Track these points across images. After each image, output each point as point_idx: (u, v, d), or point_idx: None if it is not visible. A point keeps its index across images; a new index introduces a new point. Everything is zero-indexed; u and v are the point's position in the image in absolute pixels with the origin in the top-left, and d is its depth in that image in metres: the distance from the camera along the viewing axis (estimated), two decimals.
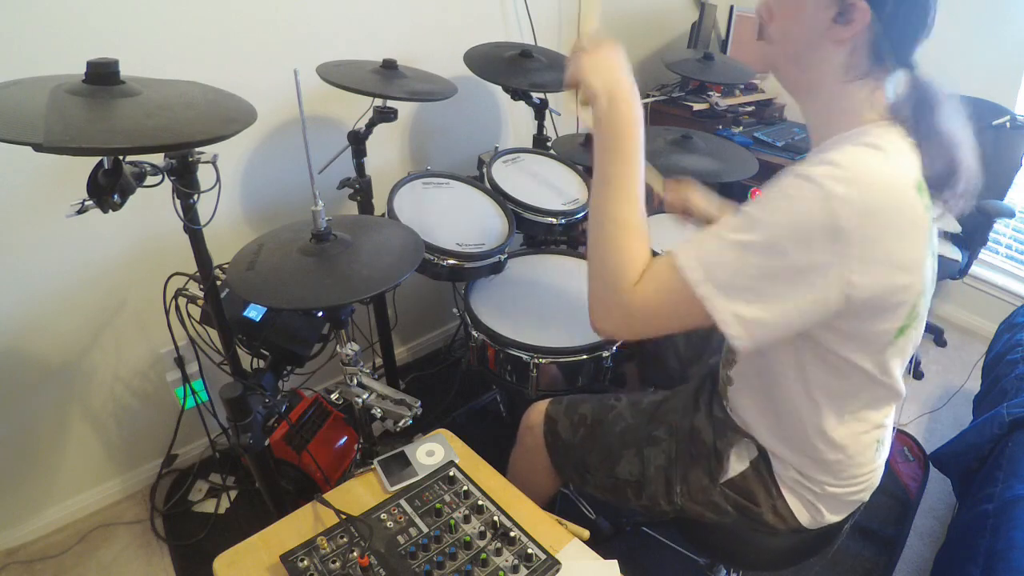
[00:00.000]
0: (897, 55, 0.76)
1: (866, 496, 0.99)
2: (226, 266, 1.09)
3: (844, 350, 0.80)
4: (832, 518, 0.98)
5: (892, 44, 0.75)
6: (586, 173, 1.72)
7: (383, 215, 1.40)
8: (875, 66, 0.77)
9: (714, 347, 1.14)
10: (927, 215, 0.75)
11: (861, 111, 0.78)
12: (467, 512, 0.92)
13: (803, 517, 0.97)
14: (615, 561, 0.88)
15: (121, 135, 0.73)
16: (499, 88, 1.77)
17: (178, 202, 0.95)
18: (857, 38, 0.75)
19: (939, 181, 0.77)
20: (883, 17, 0.73)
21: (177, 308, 1.31)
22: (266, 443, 1.16)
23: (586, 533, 0.94)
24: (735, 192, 1.85)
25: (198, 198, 0.96)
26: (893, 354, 0.82)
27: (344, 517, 0.91)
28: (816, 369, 0.84)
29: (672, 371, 1.34)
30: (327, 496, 0.95)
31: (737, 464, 1.00)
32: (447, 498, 0.95)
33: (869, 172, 0.69)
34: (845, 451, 0.90)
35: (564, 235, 1.61)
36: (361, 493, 0.98)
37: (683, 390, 1.14)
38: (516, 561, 0.85)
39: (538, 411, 1.19)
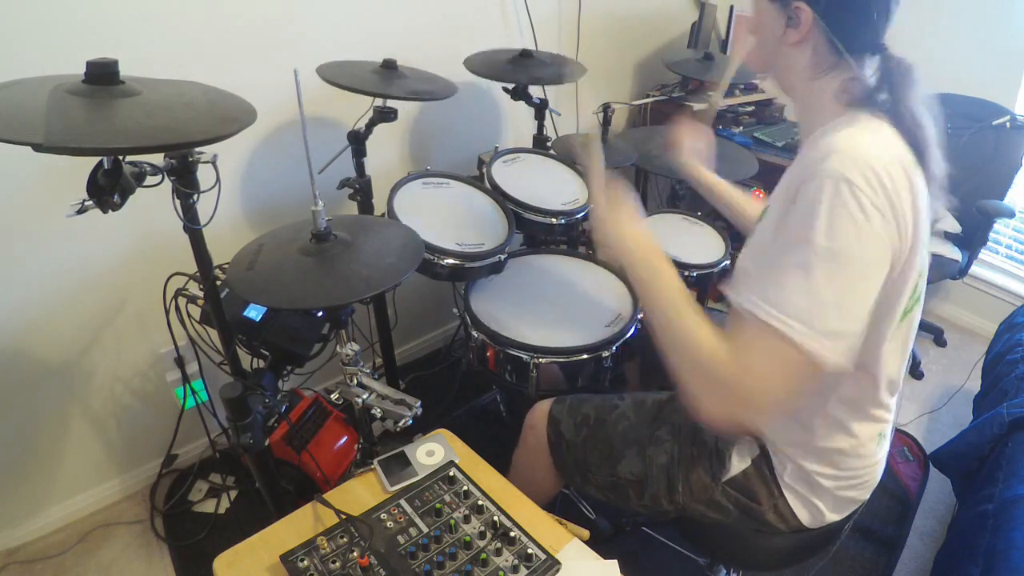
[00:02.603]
0: (852, 42, 0.80)
1: (866, 494, 0.99)
2: (226, 266, 1.09)
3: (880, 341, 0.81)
4: (832, 517, 0.98)
5: (842, 34, 0.80)
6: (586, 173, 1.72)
7: (383, 215, 1.40)
8: (838, 60, 0.81)
9: None
10: (925, 191, 0.78)
11: (834, 103, 0.82)
12: (467, 512, 0.92)
13: (803, 516, 0.97)
14: (615, 561, 0.88)
15: (121, 135, 0.73)
16: (499, 88, 1.77)
17: (178, 202, 0.95)
18: (810, 37, 0.81)
19: (921, 154, 0.80)
20: (823, 12, 0.79)
21: (177, 308, 1.31)
22: (266, 443, 1.16)
23: (586, 533, 0.94)
24: None
25: (198, 198, 0.96)
26: (897, 338, 0.84)
27: (344, 517, 0.91)
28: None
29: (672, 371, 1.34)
30: (327, 496, 0.95)
31: (739, 463, 1.00)
32: (447, 498, 0.95)
33: (871, 150, 0.73)
34: (847, 444, 0.91)
35: (564, 235, 1.61)
36: (361, 493, 0.98)
37: None
38: (516, 561, 0.85)
39: (541, 411, 1.20)
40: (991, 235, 2.24)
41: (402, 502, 0.94)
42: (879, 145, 0.75)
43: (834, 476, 0.94)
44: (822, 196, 0.70)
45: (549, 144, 1.85)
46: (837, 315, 0.70)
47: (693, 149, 1.30)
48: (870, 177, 0.70)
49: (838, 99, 0.82)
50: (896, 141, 0.78)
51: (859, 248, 0.70)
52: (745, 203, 1.26)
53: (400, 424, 1.04)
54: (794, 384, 0.73)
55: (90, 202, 0.83)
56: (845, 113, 0.81)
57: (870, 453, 0.94)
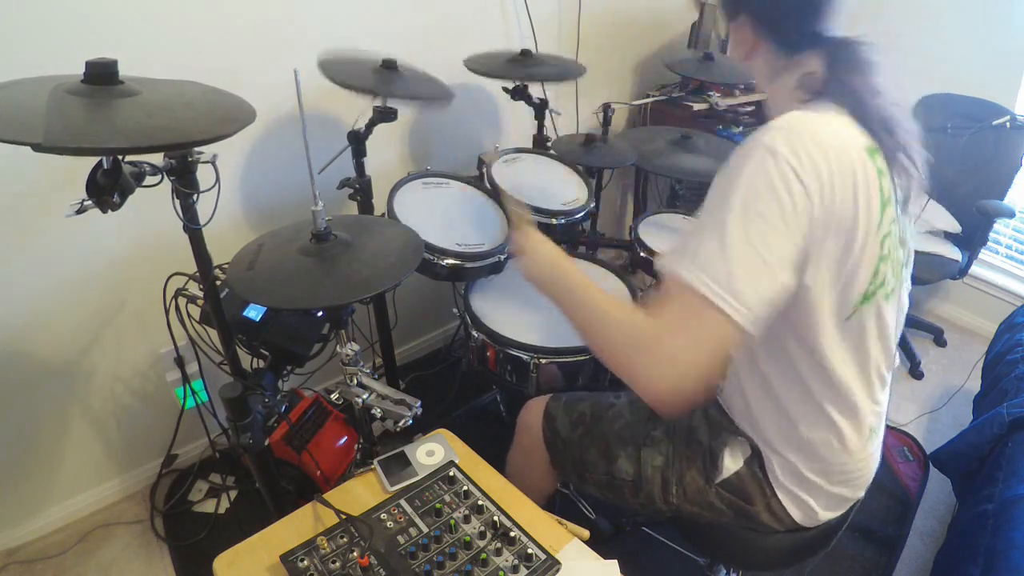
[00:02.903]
0: (794, 43, 0.84)
1: (859, 492, 1.00)
2: (226, 266, 1.09)
3: (810, 320, 0.80)
4: (826, 515, 0.99)
5: (783, 31, 0.84)
6: (586, 173, 1.72)
7: (383, 215, 1.40)
8: (787, 59, 0.85)
9: None
10: (879, 178, 0.78)
11: (793, 97, 0.85)
12: (467, 512, 0.92)
13: (797, 515, 0.98)
14: (615, 561, 0.88)
15: (120, 135, 0.73)
16: (499, 88, 1.77)
17: (178, 202, 0.95)
18: (757, 44, 0.86)
19: (881, 138, 0.79)
20: (758, 15, 0.84)
21: (177, 308, 1.31)
22: (266, 443, 1.16)
23: (586, 533, 0.94)
24: None
25: (198, 198, 0.96)
26: (860, 325, 0.83)
27: (344, 517, 0.91)
28: (797, 351, 0.85)
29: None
30: (327, 496, 0.95)
31: (731, 464, 1.00)
32: (447, 498, 0.95)
33: (808, 126, 0.75)
34: (832, 435, 0.91)
35: (564, 235, 1.61)
36: (361, 493, 0.98)
37: None
38: (516, 561, 0.85)
39: (537, 408, 1.19)
40: (991, 235, 2.24)
41: (402, 502, 0.94)
42: (822, 124, 0.76)
43: (822, 471, 0.94)
44: (747, 163, 0.73)
45: (549, 144, 1.85)
46: (744, 274, 0.70)
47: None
48: (798, 149, 0.71)
49: (799, 95, 0.84)
50: (850, 125, 0.78)
51: (774, 214, 0.71)
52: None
53: (400, 424, 1.04)
54: (712, 340, 0.72)
55: (90, 202, 0.83)
56: (801, 107, 0.82)
57: (858, 448, 0.94)
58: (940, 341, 2.53)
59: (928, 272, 2.19)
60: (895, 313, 0.88)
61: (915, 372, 2.33)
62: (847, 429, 0.91)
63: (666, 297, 0.75)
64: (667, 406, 0.75)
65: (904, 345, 2.38)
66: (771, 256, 0.71)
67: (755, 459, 0.99)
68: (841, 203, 0.73)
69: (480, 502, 0.93)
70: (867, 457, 0.97)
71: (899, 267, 0.86)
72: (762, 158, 0.72)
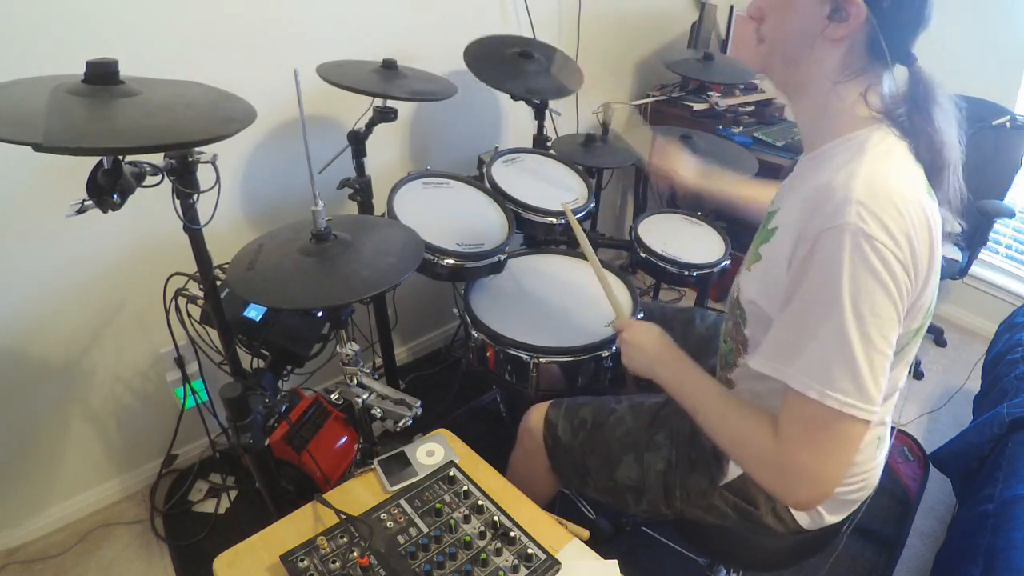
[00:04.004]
0: (895, 50, 0.75)
1: (864, 495, 0.99)
2: (226, 266, 1.09)
3: None
4: (832, 519, 0.98)
5: (890, 39, 0.74)
6: (586, 173, 1.72)
7: (383, 215, 1.40)
8: (872, 63, 0.77)
9: (713, 349, 1.14)
10: (939, 218, 0.77)
11: (852, 111, 0.78)
12: (467, 512, 0.92)
13: (802, 519, 0.97)
14: (615, 561, 0.88)
15: (121, 135, 0.73)
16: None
17: (178, 202, 0.95)
18: (853, 35, 0.75)
19: (930, 177, 0.78)
20: (880, 12, 0.73)
21: (177, 308, 1.31)
22: (266, 443, 1.16)
23: (586, 533, 0.94)
24: None
25: (198, 198, 0.96)
26: (906, 354, 0.84)
27: (344, 517, 0.91)
28: None
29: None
30: (327, 496, 0.95)
31: (736, 467, 0.99)
32: (447, 498, 0.95)
33: (891, 192, 0.70)
34: None
35: (564, 235, 1.61)
36: (361, 493, 0.98)
37: None
38: (516, 561, 0.85)
39: (538, 414, 1.19)
40: (991, 235, 2.24)
41: (402, 502, 0.94)
42: (896, 178, 0.73)
43: None
44: (843, 255, 0.69)
45: (549, 144, 1.85)
46: (869, 375, 0.71)
47: (674, 177, 1.28)
48: (891, 227, 0.69)
49: (859, 105, 0.78)
50: (911, 165, 0.76)
51: (886, 305, 0.70)
52: (755, 195, 1.26)
53: (400, 424, 1.04)
54: (847, 444, 0.74)
55: (90, 202, 0.83)
56: (858, 126, 0.78)
57: (869, 458, 0.94)
58: (940, 341, 2.53)
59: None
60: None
61: (915, 372, 2.33)
62: (866, 438, 0.90)
63: (793, 415, 0.75)
64: (813, 506, 0.80)
65: None
66: (889, 348, 0.72)
67: None
68: (921, 258, 0.72)
69: (480, 502, 0.93)
70: (876, 466, 0.97)
71: (936, 289, 0.84)
72: (858, 247, 0.68)
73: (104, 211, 0.84)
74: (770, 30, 0.81)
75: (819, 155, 0.82)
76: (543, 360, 1.29)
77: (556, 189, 1.63)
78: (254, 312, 1.21)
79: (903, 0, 0.73)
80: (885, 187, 0.70)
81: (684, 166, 1.27)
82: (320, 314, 1.23)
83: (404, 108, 1.77)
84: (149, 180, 0.90)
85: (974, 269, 2.34)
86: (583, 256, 1.69)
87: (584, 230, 1.65)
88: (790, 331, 0.75)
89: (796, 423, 0.75)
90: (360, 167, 1.48)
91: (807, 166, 0.85)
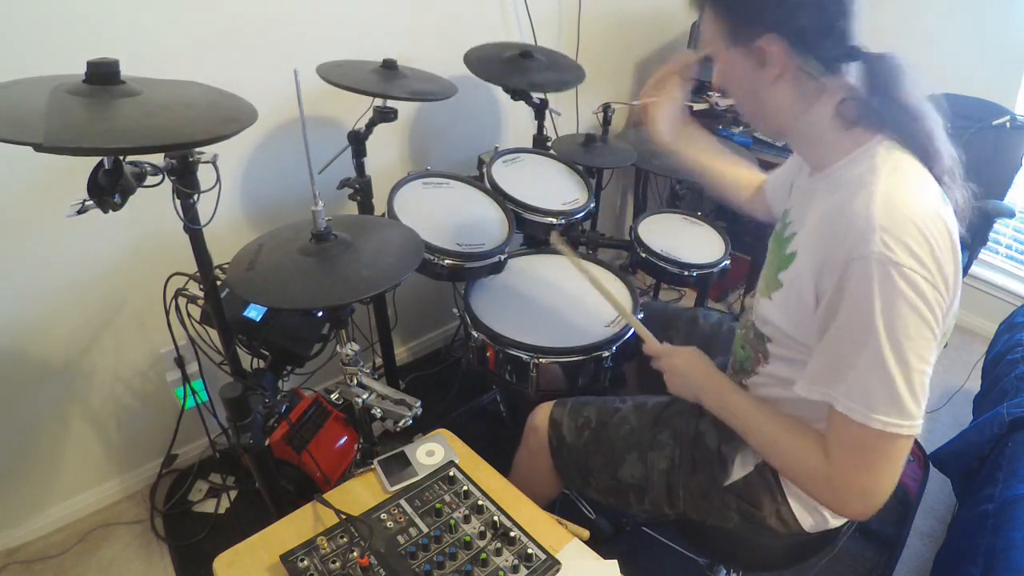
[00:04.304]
0: (830, 57, 0.77)
1: None
2: (226, 266, 1.09)
3: None
4: (835, 522, 0.98)
5: (819, 52, 0.77)
6: (586, 173, 1.72)
7: (383, 215, 1.40)
8: (821, 80, 0.79)
9: (718, 350, 1.14)
10: (955, 222, 0.78)
11: (835, 129, 0.80)
12: (467, 512, 0.92)
13: (806, 521, 0.97)
14: (615, 561, 0.88)
15: (121, 135, 0.73)
16: (499, 88, 1.77)
17: (178, 202, 0.95)
18: (788, 69, 0.78)
19: (929, 162, 0.79)
20: (793, 38, 0.75)
21: (177, 308, 1.31)
22: (266, 443, 1.16)
23: (586, 533, 0.94)
24: None
25: (198, 198, 0.96)
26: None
27: (344, 517, 0.91)
28: None
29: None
30: (327, 496, 0.95)
31: (741, 468, 0.99)
32: (447, 498, 0.95)
33: (910, 213, 0.72)
34: None
35: (564, 235, 1.61)
36: (361, 493, 0.98)
37: None
38: (516, 561, 0.85)
39: (543, 413, 1.19)
40: (991, 235, 2.24)
41: (402, 502, 0.94)
42: (912, 196, 0.74)
43: None
44: (873, 285, 0.71)
45: (549, 144, 1.85)
46: (909, 395, 0.73)
47: (671, 124, 1.24)
48: (916, 250, 0.70)
49: (837, 124, 0.80)
50: (921, 176, 0.77)
51: (920, 327, 0.71)
52: (736, 174, 1.27)
53: (400, 424, 1.04)
54: (894, 460, 0.77)
55: (90, 202, 0.83)
56: (861, 141, 0.79)
57: None
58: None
59: None
60: None
61: None
62: None
63: (840, 437, 0.78)
64: (869, 516, 0.82)
65: None
66: (927, 365, 0.73)
67: (767, 465, 0.98)
68: (948, 272, 0.74)
69: (480, 502, 0.93)
70: None
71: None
72: (887, 276, 0.70)
73: (104, 211, 0.84)
74: (733, 96, 0.88)
75: (829, 175, 0.83)
76: (543, 360, 1.29)
77: (556, 189, 1.63)
78: (254, 312, 1.21)
79: (802, 16, 0.74)
80: (904, 209, 0.72)
81: (665, 118, 1.21)
82: (320, 314, 1.23)
83: (404, 108, 1.77)
84: (149, 180, 0.90)
85: (974, 269, 2.35)
86: (583, 256, 1.70)
87: (583, 229, 1.65)
88: (830, 360, 0.78)
89: (844, 444, 0.79)
90: (360, 167, 1.48)
91: (819, 185, 0.86)
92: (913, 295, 0.70)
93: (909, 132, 0.78)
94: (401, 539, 0.88)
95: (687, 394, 1.03)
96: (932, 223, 0.72)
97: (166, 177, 0.92)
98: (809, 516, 0.97)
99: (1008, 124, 2.08)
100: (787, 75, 0.79)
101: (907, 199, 0.73)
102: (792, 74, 0.78)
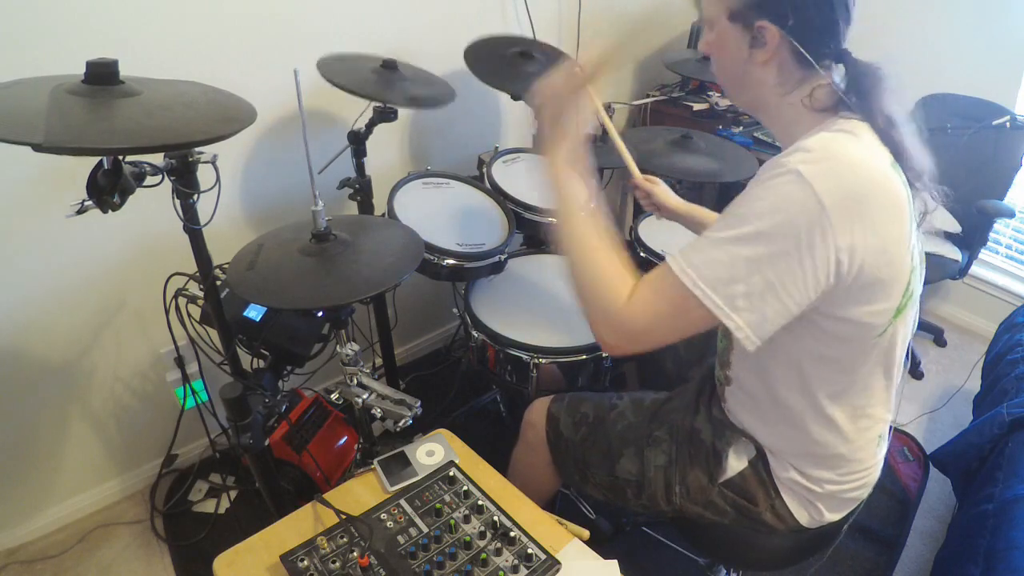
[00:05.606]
0: (820, 54, 0.80)
1: (864, 494, 1.00)
2: (226, 266, 1.09)
3: (843, 342, 0.81)
4: (831, 517, 0.98)
5: (810, 47, 0.79)
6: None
7: (383, 215, 1.40)
8: (806, 71, 0.81)
9: (713, 348, 1.14)
10: (905, 190, 0.78)
11: (808, 114, 0.82)
12: (467, 512, 0.92)
13: (802, 517, 0.97)
14: (615, 561, 0.88)
15: (121, 135, 0.73)
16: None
17: (178, 202, 0.95)
18: (777, 55, 0.80)
19: (898, 153, 0.79)
20: (791, 28, 0.78)
21: (177, 308, 1.31)
22: (266, 443, 1.16)
23: (586, 533, 0.94)
24: (735, 192, 1.84)
25: (198, 198, 0.96)
26: (890, 338, 0.83)
27: (344, 517, 0.91)
28: (814, 367, 0.84)
29: (670, 373, 1.34)
30: (327, 496, 0.95)
31: (735, 464, 1.00)
32: (447, 498, 0.95)
33: (842, 150, 0.73)
34: (846, 447, 0.90)
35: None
36: (361, 493, 0.98)
37: (685, 390, 1.14)
38: (516, 561, 0.85)
39: (540, 408, 1.20)
40: (991, 235, 2.24)
41: (402, 502, 0.94)
42: (852, 145, 0.75)
43: (833, 480, 0.94)
44: (774, 182, 0.71)
45: None
46: (757, 296, 0.72)
47: (653, 196, 1.30)
48: (827, 175, 0.70)
49: (810, 107, 0.82)
50: (874, 142, 0.77)
51: (791, 238, 0.70)
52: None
53: (400, 424, 1.04)
54: (679, 329, 0.78)
55: (90, 202, 0.83)
56: (825, 120, 0.81)
57: (870, 455, 0.94)
58: (940, 341, 2.53)
59: (928, 272, 2.17)
60: (913, 319, 0.88)
61: (915, 372, 2.33)
62: (859, 439, 0.91)
63: (658, 284, 0.78)
64: (611, 351, 0.83)
65: None
66: (782, 280, 0.71)
67: (760, 460, 0.99)
68: (878, 226, 0.72)
69: (480, 502, 0.93)
70: (876, 464, 0.97)
71: (919, 271, 0.86)
72: (789, 179, 0.70)
73: (104, 211, 0.84)
74: (716, 65, 0.88)
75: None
76: (543, 360, 1.29)
77: None
78: (254, 312, 1.21)
79: (809, 12, 0.77)
80: (833, 149, 0.73)
81: (665, 192, 1.30)
82: (320, 314, 1.23)
83: (404, 108, 1.77)
84: (149, 180, 0.90)
85: (974, 269, 2.34)
86: None
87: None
88: (699, 238, 0.77)
89: (649, 281, 0.79)
90: (360, 167, 1.48)
91: None
92: (799, 208, 0.69)
93: (879, 128, 0.79)
94: (401, 539, 0.88)
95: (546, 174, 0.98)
96: (860, 168, 0.72)
97: (166, 177, 0.92)
98: (804, 511, 0.97)
99: (1008, 124, 2.08)
100: (775, 60, 0.81)
101: (842, 145, 0.74)
102: (780, 60, 0.81)
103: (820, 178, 0.69)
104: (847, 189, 0.70)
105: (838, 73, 0.81)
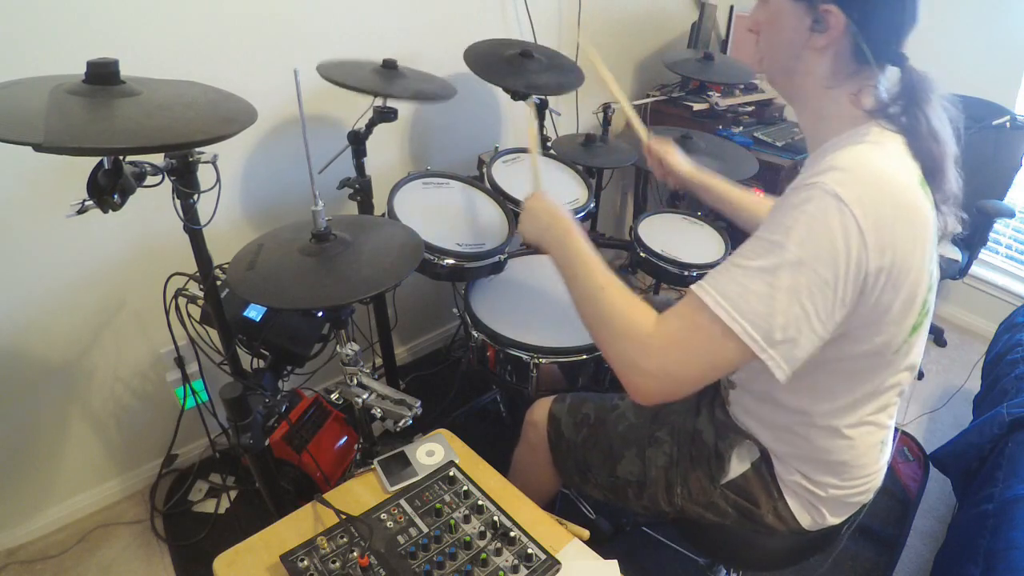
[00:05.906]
0: (880, 53, 0.76)
1: (868, 498, 0.99)
2: (226, 266, 1.09)
3: (859, 358, 0.80)
4: (833, 520, 0.98)
5: (873, 44, 0.75)
6: (586, 173, 1.72)
7: (383, 215, 1.40)
8: (860, 67, 0.77)
9: None
10: (932, 210, 0.76)
11: (849, 113, 0.79)
12: (467, 512, 0.92)
13: (804, 519, 0.97)
14: (615, 561, 0.88)
15: (121, 135, 0.73)
16: (499, 88, 1.77)
17: (178, 202, 0.95)
18: (836, 43, 0.76)
19: (928, 176, 0.78)
20: (858, 19, 0.74)
21: (177, 308, 1.31)
22: (266, 443, 1.16)
23: (586, 533, 0.94)
24: None
25: (198, 198, 0.97)
26: (907, 354, 0.83)
27: (344, 517, 0.91)
28: (828, 379, 0.84)
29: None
30: (327, 496, 0.95)
31: (738, 465, 1.00)
32: (447, 498, 0.95)
33: (877, 170, 0.71)
34: (850, 453, 0.90)
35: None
36: (361, 493, 0.98)
37: None
38: (516, 561, 0.85)
39: (542, 409, 1.19)
40: (991, 235, 2.24)
41: (402, 502, 0.94)
42: (884, 163, 0.72)
43: (837, 484, 0.93)
44: (807, 205, 0.69)
45: (549, 144, 1.85)
46: (794, 327, 0.69)
47: (666, 160, 1.30)
48: (863, 199, 0.68)
49: (853, 106, 0.78)
50: (905, 158, 0.75)
51: (830, 266, 0.68)
52: (745, 199, 1.25)
53: (400, 424, 1.04)
54: (709, 364, 0.74)
55: (90, 202, 0.83)
56: (858, 124, 0.78)
57: (873, 461, 0.94)
58: (940, 341, 2.53)
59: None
60: (927, 330, 0.87)
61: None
62: (863, 445, 0.90)
63: (686, 315, 0.75)
64: (646, 400, 0.78)
65: None
66: (816, 311, 0.69)
67: (763, 462, 0.98)
68: (906, 250, 0.71)
69: (480, 502, 0.93)
70: (879, 469, 0.97)
71: (934, 288, 0.84)
72: (823, 202, 0.67)
73: (104, 211, 0.84)
74: (764, 43, 0.84)
75: (819, 152, 0.82)
76: (543, 360, 1.29)
77: (556, 189, 1.63)
78: (254, 312, 1.21)
79: (879, 5, 0.73)
80: (867, 168, 0.71)
81: (678, 156, 1.30)
82: (320, 314, 1.23)
83: (404, 108, 1.77)
84: (149, 180, 0.90)
85: (974, 269, 2.35)
86: None
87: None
88: (730, 264, 0.74)
89: (679, 314, 0.75)
90: (360, 167, 1.48)
91: (807, 164, 0.85)
92: (840, 234, 0.67)
93: (919, 142, 0.76)
94: (401, 539, 0.88)
95: (533, 234, 1.00)
96: (893, 190, 0.70)
97: (166, 177, 0.92)
98: (807, 514, 0.97)
99: (1008, 124, 2.08)
100: (832, 49, 0.77)
101: (875, 163, 0.72)
102: (837, 50, 0.77)
103: (858, 203, 0.67)
104: (884, 214, 0.68)
105: (891, 77, 0.78)
